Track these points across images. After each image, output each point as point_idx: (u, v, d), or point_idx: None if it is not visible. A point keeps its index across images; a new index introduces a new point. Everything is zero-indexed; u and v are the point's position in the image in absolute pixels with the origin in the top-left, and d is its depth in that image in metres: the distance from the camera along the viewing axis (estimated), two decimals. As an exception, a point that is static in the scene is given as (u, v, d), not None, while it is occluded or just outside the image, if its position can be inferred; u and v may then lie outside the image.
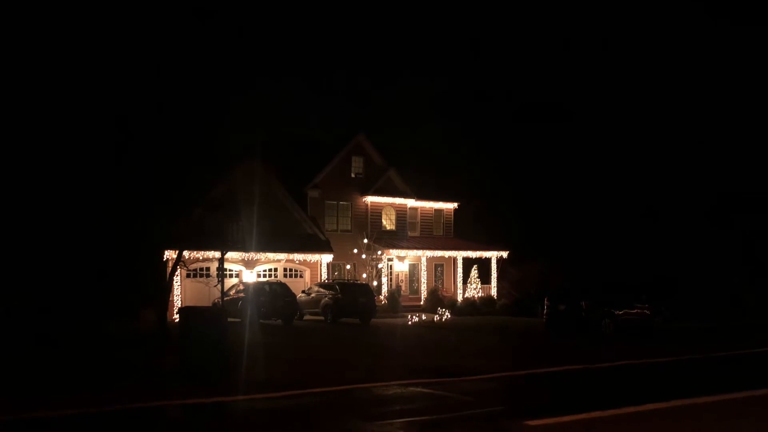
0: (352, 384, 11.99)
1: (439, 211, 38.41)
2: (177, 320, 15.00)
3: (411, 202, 36.39)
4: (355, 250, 33.70)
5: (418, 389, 11.57)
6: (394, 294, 33.48)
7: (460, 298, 35.55)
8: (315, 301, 27.21)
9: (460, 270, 36.64)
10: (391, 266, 35.43)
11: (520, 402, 10.77)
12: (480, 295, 35.35)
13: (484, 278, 36.66)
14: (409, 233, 36.49)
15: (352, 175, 35.09)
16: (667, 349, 18.88)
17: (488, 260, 37.07)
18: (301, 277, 32.50)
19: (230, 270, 30.21)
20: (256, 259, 29.67)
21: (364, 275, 33.44)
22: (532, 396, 11.60)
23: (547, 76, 72.53)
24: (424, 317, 28.69)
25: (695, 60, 66.26)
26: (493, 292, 36.59)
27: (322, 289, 27.52)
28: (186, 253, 22.69)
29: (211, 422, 9.23)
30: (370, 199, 34.87)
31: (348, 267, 34.05)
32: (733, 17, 62.82)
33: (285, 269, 32.29)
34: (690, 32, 69.24)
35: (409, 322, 26.80)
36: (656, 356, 17.01)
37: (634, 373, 14.63)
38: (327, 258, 31.34)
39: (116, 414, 9.35)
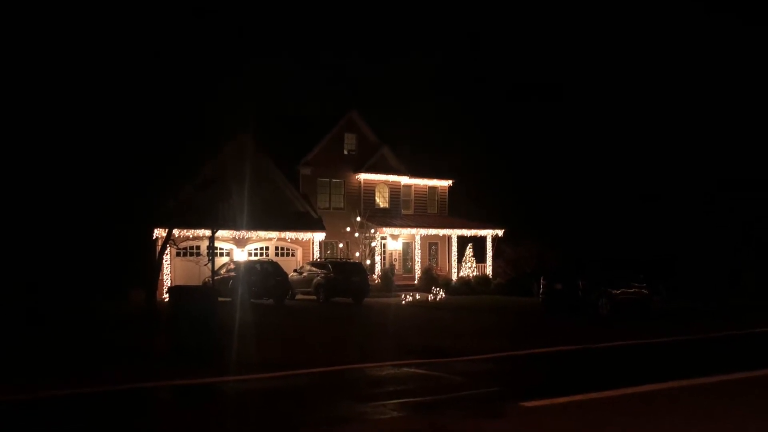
0: (345, 364, 11.78)
1: (433, 189, 38.15)
2: (167, 300, 14.71)
3: (405, 180, 36.12)
4: (348, 229, 33.46)
5: (412, 370, 11.36)
6: (388, 273, 33.28)
7: (454, 277, 35.41)
8: (307, 281, 26.97)
9: (454, 248, 36.49)
10: (384, 245, 35.22)
11: (515, 382, 10.57)
12: (475, 274, 35.21)
13: (479, 257, 36.53)
14: (403, 211, 36.27)
15: (345, 153, 34.75)
16: (665, 328, 18.75)
17: (483, 239, 36.90)
18: (293, 255, 32.26)
19: (221, 249, 29.93)
20: (247, 238, 29.39)
21: (357, 254, 33.19)
22: (528, 376, 11.41)
23: (546, 56, 71.94)
24: (418, 296, 28.44)
25: (698, 39, 65.84)
26: (488, 271, 36.47)
27: (314, 268, 27.29)
28: (176, 232, 22.43)
29: (202, 403, 9.00)
30: (363, 177, 34.56)
31: (341, 245, 33.84)
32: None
33: (276, 248, 32.02)
34: (690, 12, 68.70)
35: (403, 302, 26.56)
36: (654, 336, 16.87)
37: (632, 353, 14.47)
38: (319, 236, 31.06)
39: (106, 395, 9.09)
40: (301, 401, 9.01)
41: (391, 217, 35.08)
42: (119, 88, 20.39)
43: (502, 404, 8.45)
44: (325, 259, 29.96)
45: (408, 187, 36.80)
